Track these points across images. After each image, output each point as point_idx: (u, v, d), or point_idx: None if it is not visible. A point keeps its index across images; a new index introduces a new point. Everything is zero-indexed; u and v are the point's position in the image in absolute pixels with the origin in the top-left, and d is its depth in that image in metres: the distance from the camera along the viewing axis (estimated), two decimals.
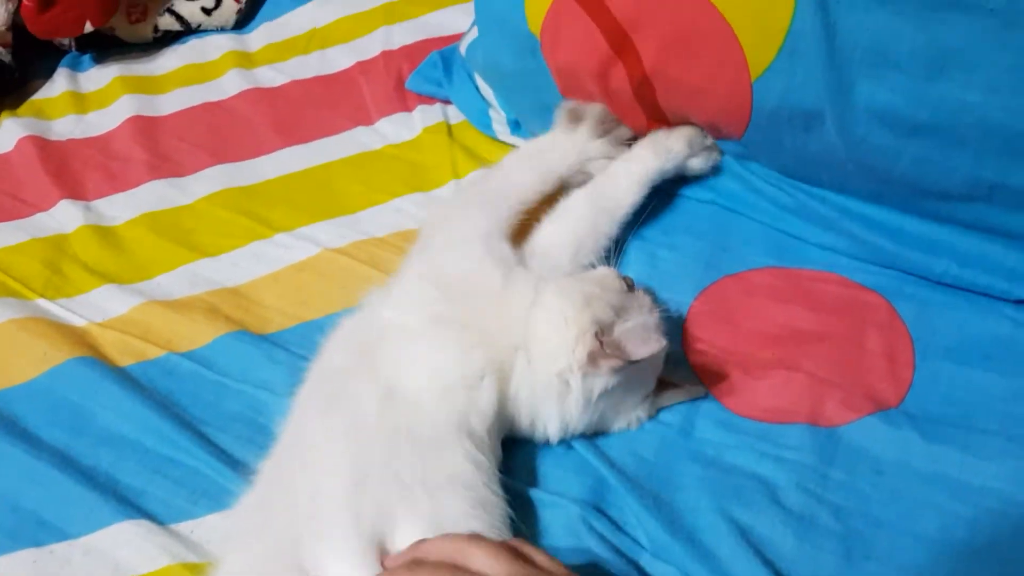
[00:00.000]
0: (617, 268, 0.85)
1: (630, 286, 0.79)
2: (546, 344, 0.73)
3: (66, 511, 0.77)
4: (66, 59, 1.28)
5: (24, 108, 1.20)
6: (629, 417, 0.77)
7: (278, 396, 0.82)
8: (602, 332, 0.72)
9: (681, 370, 0.81)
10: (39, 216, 1.06)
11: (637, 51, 0.86)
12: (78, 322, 0.93)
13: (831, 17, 0.74)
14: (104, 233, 1.03)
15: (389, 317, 0.77)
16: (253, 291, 0.94)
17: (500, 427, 0.74)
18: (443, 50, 1.13)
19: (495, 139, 1.05)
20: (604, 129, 0.91)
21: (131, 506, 0.77)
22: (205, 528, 0.76)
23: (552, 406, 0.74)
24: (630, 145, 0.92)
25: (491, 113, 1.05)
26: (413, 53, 1.17)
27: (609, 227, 0.88)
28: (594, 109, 0.91)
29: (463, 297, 0.76)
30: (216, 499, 0.77)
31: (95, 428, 0.83)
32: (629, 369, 0.72)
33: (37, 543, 0.75)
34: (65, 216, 1.05)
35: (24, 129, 1.15)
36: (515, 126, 1.04)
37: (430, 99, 1.12)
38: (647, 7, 0.84)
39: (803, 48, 0.77)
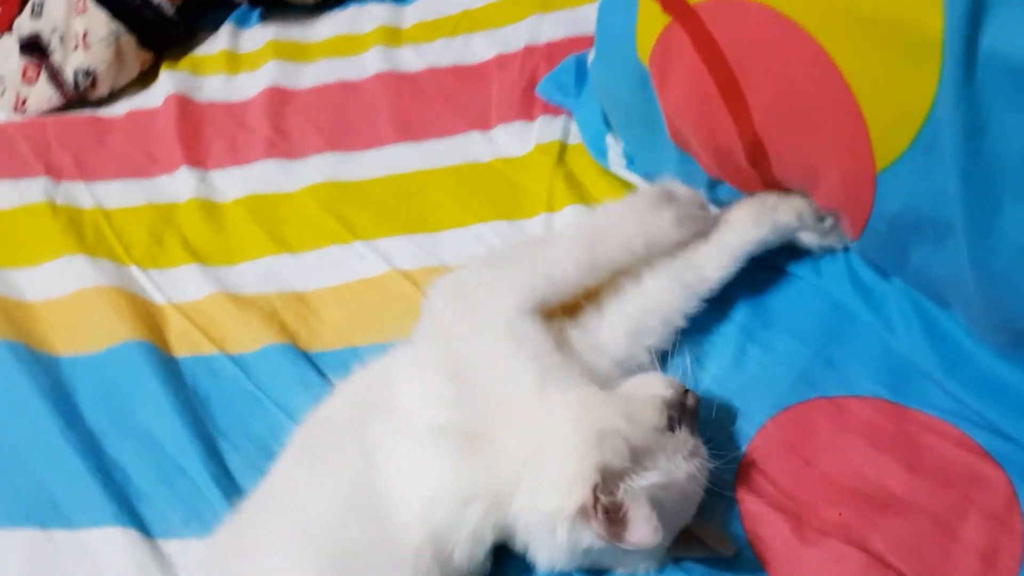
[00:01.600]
0: (687, 368, 0.71)
1: (691, 411, 0.65)
2: (543, 472, 0.62)
3: (77, 500, 0.77)
4: (235, 13, 1.29)
5: (184, 63, 1.23)
6: (634, 567, 0.65)
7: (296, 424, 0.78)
8: (604, 484, 0.60)
9: (713, 521, 0.66)
10: (162, 178, 1.08)
11: (747, 104, 0.70)
12: (158, 299, 0.94)
13: (981, 113, 0.55)
14: (209, 209, 1.03)
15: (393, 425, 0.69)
16: (316, 301, 0.91)
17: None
18: (580, 55, 1.01)
19: (607, 171, 0.92)
20: (690, 219, 0.75)
21: (130, 512, 0.76)
22: (188, 552, 0.74)
23: (541, 539, 0.63)
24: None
25: (608, 140, 0.92)
26: (555, 52, 1.06)
27: (686, 303, 0.74)
28: (688, 195, 0.76)
29: (482, 398, 0.66)
30: (205, 524, 0.74)
31: (129, 419, 0.83)
32: None
33: (44, 525, 0.77)
34: (182, 184, 1.06)
35: (175, 86, 1.17)
36: (630, 160, 0.90)
37: (556, 110, 1.00)
38: (761, 54, 0.68)
39: (941, 145, 0.58)
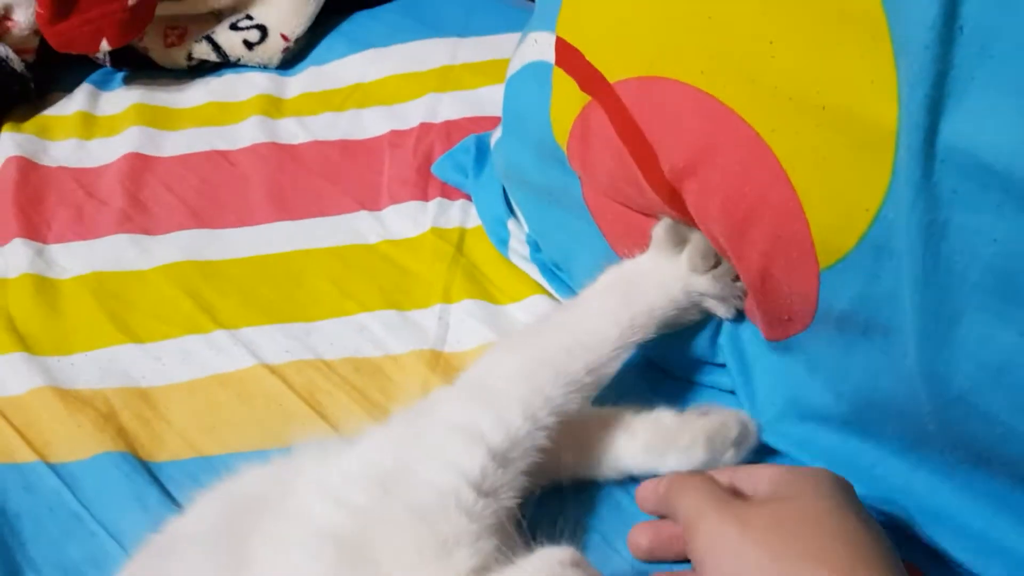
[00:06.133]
0: None
1: None
2: None
3: None
4: (95, 74, 1.16)
5: (30, 124, 1.09)
6: None
7: (125, 553, 0.64)
8: None
9: None
10: None
11: (682, 196, 0.63)
12: None
13: (940, 213, 0.48)
14: (45, 287, 0.88)
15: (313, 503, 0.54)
16: (163, 399, 0.77)
17: None
18: (480, 136, 0.93)
19: (507, 260, 0.84)
20: (708, 263, 0.65)
21: None
22: None
23: None
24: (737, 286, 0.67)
25: (510, 226, 0.84)
26: (452, 132, 0.98)
27: None
28: (697, 232, 0.65)
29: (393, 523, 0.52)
30: None
31: None
32: None
33: None
34: (13, 258, 0.90)
35: (17, 148, 1.03)
36: (535, 248, 0.81)
37: (452, 194, 0.92)
38: (686, 136, 0.60)
39: (892, 246, 0.51)
